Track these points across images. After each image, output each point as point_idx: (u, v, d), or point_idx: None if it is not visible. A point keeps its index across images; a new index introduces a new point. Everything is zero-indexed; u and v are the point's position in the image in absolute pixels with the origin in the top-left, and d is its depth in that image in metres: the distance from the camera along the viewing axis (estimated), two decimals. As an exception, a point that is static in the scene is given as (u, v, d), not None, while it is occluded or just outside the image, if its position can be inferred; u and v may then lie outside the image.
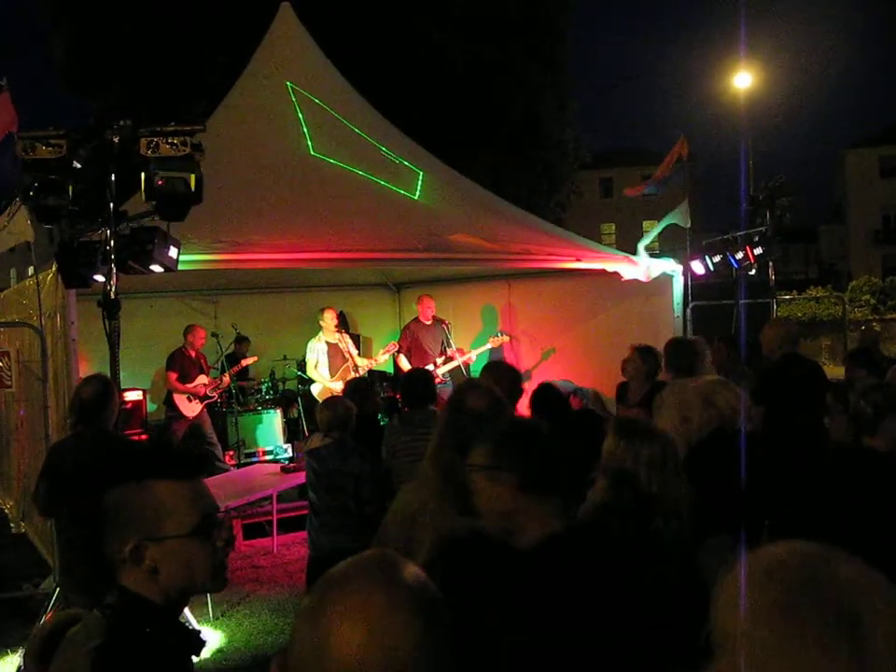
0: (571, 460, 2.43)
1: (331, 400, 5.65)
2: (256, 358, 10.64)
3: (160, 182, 5.18)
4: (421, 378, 5.68)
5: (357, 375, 9.34)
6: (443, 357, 9.52)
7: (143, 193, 5.29)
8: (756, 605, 1.12)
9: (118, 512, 1.77)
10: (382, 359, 9.98)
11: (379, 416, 9.63)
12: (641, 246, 8.44)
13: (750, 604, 1.12)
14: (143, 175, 5.23)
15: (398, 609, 1.16)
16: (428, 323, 9.64)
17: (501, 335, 9.79)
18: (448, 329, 9.64)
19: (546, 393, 5.69)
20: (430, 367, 9.22)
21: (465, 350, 9.77)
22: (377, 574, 1.22)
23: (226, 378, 9.91)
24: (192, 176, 5.25)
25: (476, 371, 10.25)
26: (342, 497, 5.10)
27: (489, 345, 9.72)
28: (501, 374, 4.49)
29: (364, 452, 5.20)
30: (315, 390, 9.66)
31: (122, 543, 1.74)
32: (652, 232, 8.83)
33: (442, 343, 9.62)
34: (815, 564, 1.13)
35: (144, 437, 9.14)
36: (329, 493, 5.18)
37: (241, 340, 10.73)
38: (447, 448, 2.81)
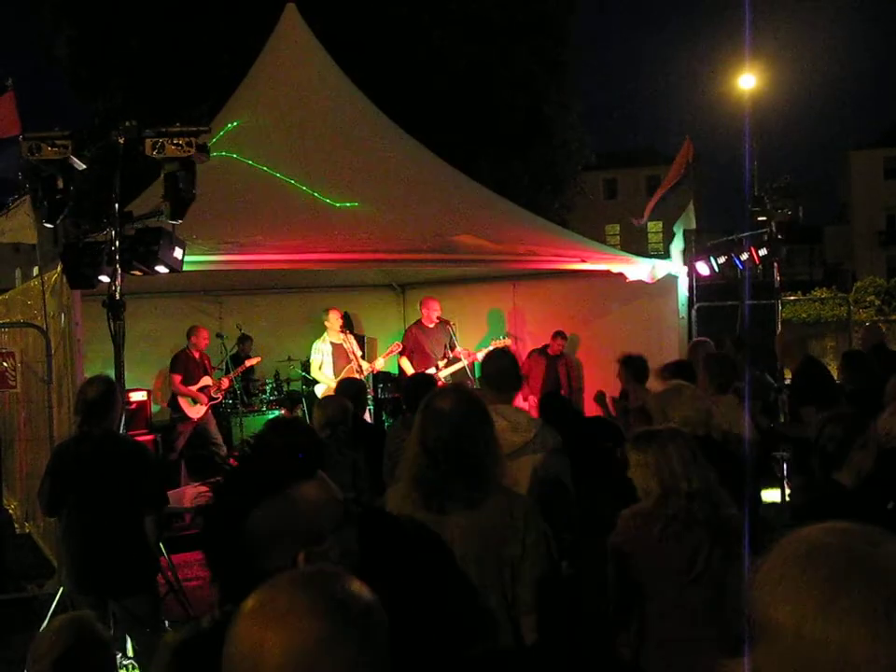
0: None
1: (325, 400, 5.70)
2: (259, 359, 10.63)
3: (180, 184, 5.21)
4: (423, 383, 5.86)
5: (361, 376, 9.33)
6: (446, 360, 9.47)
7: (164, 192, 5.31)
8: (797, 588, 1.10)
9: (276, 531, 1.68)
10: (384, 361, 9.94)
11: (384, 417, 9.65)
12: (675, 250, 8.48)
13: (791, 587, 1.11)
14: (164, 174, 5.25)
15: (301, 611, 1.17)
16: (431, 326, 9.57)
17: (504, 337, 9.76)
18: (453, 329, 9.61)
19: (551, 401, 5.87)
20: (433, 370, 9.20)
21: (470, 351, 9.72)
22: (296, 581, 1.24)
23: (227, 379, 9.90)
24: (185, 174, 5.27)
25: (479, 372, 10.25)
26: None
27: (492, 347, 9.66)
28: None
29: (358, 442, 5.18)
30: (320, 391, 9.65)
31: (291, 558, 1.66)
32: (678, 239, 8.71)
33: (446, 344, 9.58)
34: (857, 544, 1.12)
35: (149, 437, 9.13)
36: None
37: (244, 339, 10.72)
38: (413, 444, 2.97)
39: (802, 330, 7.24)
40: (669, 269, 8.45)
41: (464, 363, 9.31)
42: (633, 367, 6.53)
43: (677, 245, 8.62)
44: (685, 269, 8.61)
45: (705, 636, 3.03)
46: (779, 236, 9.18)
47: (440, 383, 8.90)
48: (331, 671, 1.15)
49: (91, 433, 4.81)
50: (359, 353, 9.92)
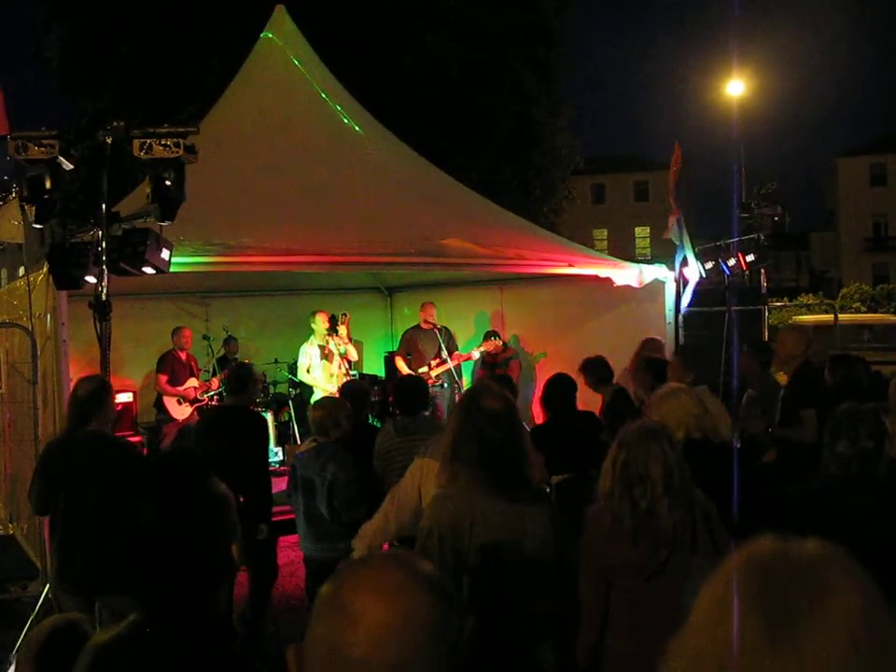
0: None
1: (321, 401, 5.64)
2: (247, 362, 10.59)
3: (167, 183, 5.18)
4: (414, 385, 5.79)
5: (349, 378, 9.31)
6: (438, 360, 9.55)
7: (150, 194, 5.29)
8: (706, 585, 1.16)
9: None
10: (343, 333, 9.72)
11: (371, 419, 9.62)
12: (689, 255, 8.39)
13: (705, 587, 1.16)
14: (149, 175, 5.23)
15: (412, 585, 1.23)
16: (427, 328, 9.72)
17: (496, 338, 9.77)
18: (450, 334, 9.77)
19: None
20: (425, 368, 9.41)
21: (459, 355, 9.78)
22: (393, 559, 1.32)
23: (215, 381, 9.86)
24: (174, 175, 5.25)
25: (466, 373, 10.28)
26: (315, 502, 5.03)
27: (482, 348, 9.70)
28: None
29: (343, 458, 5.06)
30: (316, 397, 9.61)
31: None
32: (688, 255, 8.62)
33: (439, 347, 9.62)
34: (772, 548, 1.15)
35: (137, 438, 9.09)
36: (304, 497, 5.13)
37: (229, 341, 10.67)
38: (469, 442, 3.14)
39: (808, 332, 7.14)
40: (656, 274, 8.47)
41: (450, 364, 9.37)
42: (591, 372, 6.60)
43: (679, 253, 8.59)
44: (672, 274, 8.63)
45: (669, 630, 3.04)
46: (767, 242, 9.23)
47: (430, 380, 9.01)
48: (438, 640, 1.21)
49: (80, 433, 4.80)
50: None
